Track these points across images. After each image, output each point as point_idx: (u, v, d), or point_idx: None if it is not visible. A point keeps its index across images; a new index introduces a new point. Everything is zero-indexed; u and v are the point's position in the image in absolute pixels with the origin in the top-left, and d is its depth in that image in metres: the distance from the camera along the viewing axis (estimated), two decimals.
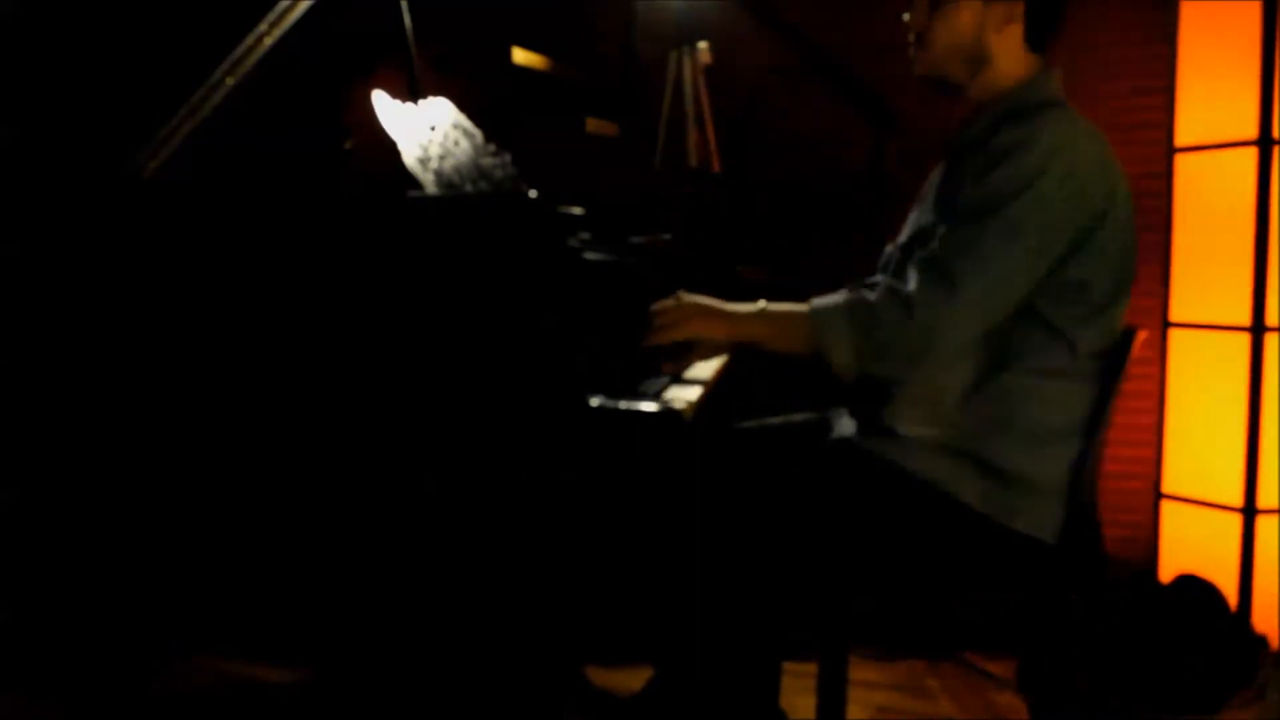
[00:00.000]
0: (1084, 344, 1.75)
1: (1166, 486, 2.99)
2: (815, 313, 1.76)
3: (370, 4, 2.24)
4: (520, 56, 2.65)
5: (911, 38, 1.87)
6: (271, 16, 2.13)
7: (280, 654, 2.71)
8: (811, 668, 1.83)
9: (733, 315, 1.84)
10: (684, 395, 1.82)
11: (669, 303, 1.87)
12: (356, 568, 2.25)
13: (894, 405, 1.79)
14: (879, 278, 1.95)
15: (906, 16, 1.88)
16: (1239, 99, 2.80)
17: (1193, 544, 2.92)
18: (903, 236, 1.91)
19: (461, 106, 2.21)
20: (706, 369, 2.05)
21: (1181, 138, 2.96)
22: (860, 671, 2.71)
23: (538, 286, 1.86)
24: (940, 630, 2.87)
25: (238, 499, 2.41)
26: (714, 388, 1.98)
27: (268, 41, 2.12)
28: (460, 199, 2.01)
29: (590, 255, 2.06)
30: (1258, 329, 2.76)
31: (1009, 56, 1.83)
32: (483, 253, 1.87)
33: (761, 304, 1.86)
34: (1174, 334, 2.97)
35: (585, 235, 2.10)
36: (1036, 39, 1.83)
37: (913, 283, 1.71)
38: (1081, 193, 1.70)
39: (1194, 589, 2.72)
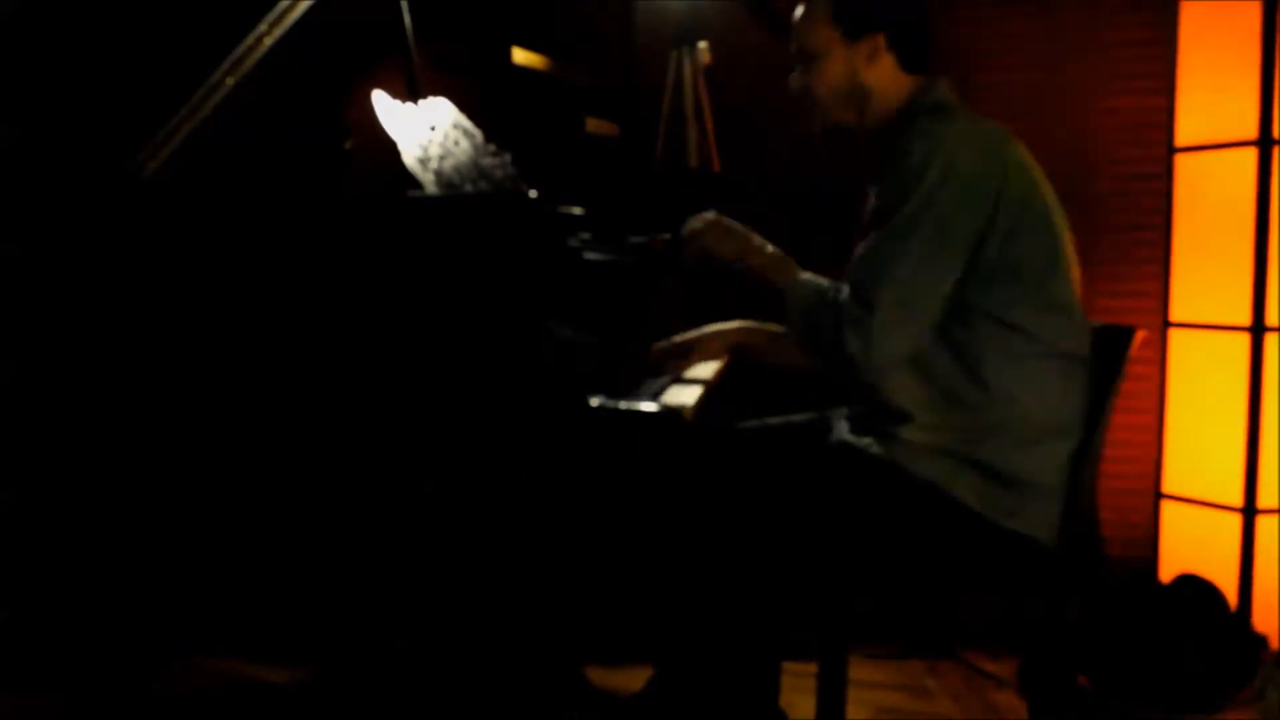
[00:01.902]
0: (1035, 325, 1.76)
1: (1166, 486, 2.99)
2: (791, 289, 1.85)
3: (370, 4, 2.24)
4: (520, 56, 2.65)
5: (801, 98, 1.95)
6: (271, 16, 2.13)
7: (280, 654, 2.71)
8: (811, 668, 1.83)
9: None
10: (684, 395, 1.82)
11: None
12: (357, 568, 2.25)
13: (887, 418, 1.80)
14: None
15: (791, 81, 1.95)
16: (1239, 99, 2.80)
17: (1193, 544, 2.92)
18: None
19: (461, 106, 2.21)
20: (707, 369, 2.05)
21: (1181, 138, 2.95)
22: (860, 671, 2.71)
23: (538, 286, 1.86)
24: (940, 630, 2.87)
25: (238, 499, 2.41)
26: (714, 388, 1.98)
27: (268, 41, 2.12)
28: (460, 199, 2.01)
29: (590, 255, 2.07)
30: (1258, 329, 2.76)
31: (888, 86, 1.89)
32: (483, 253, 1.87)
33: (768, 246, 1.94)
34: (1174, 334, 2.97)
35: (585, 235, 2.10)
36: (910, 62, 1.89)
37: (847, 312, 1.75)
38: (969, 182, 1.74)
39: (1194, 589, 2.71)
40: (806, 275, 1.87)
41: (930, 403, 1.78)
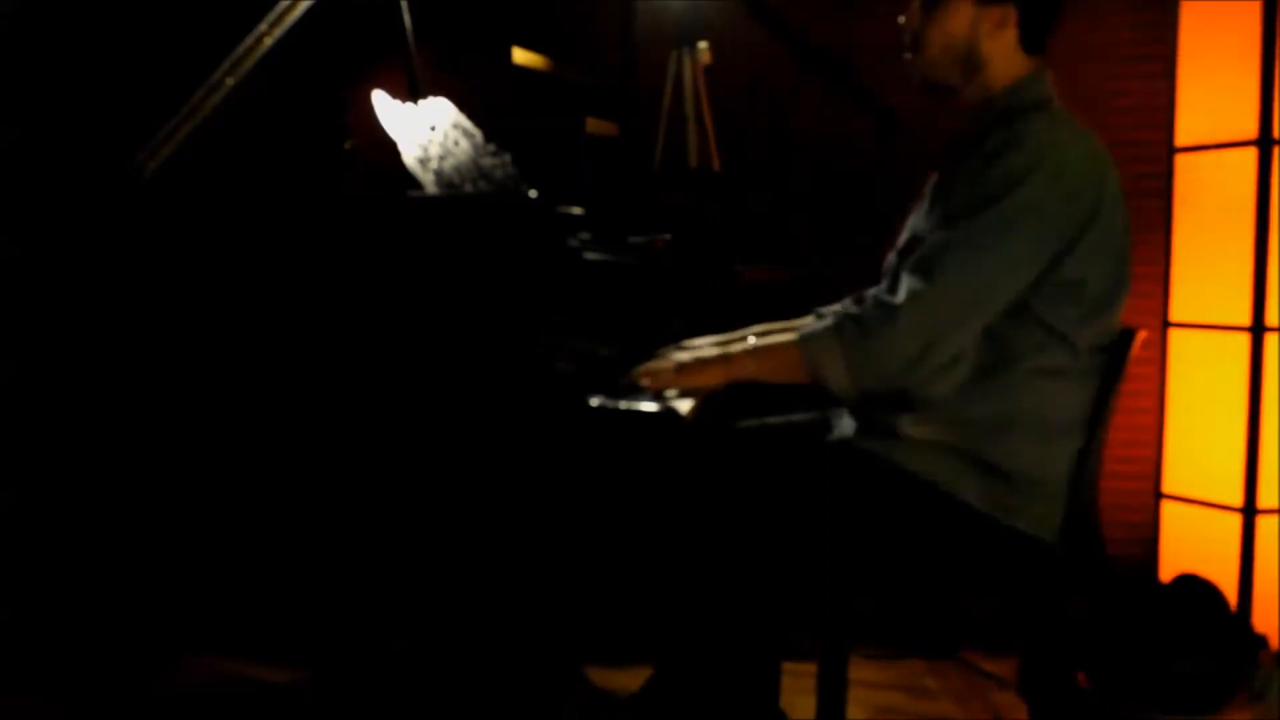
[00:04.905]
0: (1083, 342, 1.75)
1: (1166, 486, 2.99)
2: (805, 340, 1.76)
3: (370, 4, 2.24)
4: (520, 56, 2.65)
5: (906, 39, 1.86)
6: (271, 16, 2.13)
7: (280, 654, 2.71)
8: (811, 668, 1.82)
9: (725, 360, 1.83)
10: (684, 395, 1.82)
11: (658, 365, 1.86)
12: (357, 568, 2.25)
13: (894, 410, 1.79)
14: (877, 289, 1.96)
15: (901, 19, 1.87)
16: (1239, 99, 2.80)
17: (1193, 544, 2.92)
18: (900, 242, 1.91)
19: (461, 106, 2.21)
20: None
21: (1181, 138, 2.95)
22: (860, 671, 2.71)
23: (538, 286, 1.86)
24: (940, 630, 2.87)
25: (238, 499, 2.41)
26: (714, 388, 1.98)
27: (268, 41, 2.12)
28: (460, 199, 2.01)
29: (590, 255, 2.07)
30: (1258, 329, 2.76)
31: (1003, 59, 1.82)
32: (483, 253, 1.87)
33: (751, 340, 1.85)
34: (1174, 334, 2.97)
35: (585, 235, 2.10)
36: (1031, 41, 1.82)
37: (902, 291, 1.71)
38: (1071, 193, 1.70)
39: (1194, 589, 2.71)
40: (802, 327, 1.79)
41: (962, 391, 1.75)
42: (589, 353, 1.94)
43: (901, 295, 1.70)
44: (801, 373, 1.76)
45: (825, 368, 1.73)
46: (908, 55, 1.86)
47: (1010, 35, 1.81)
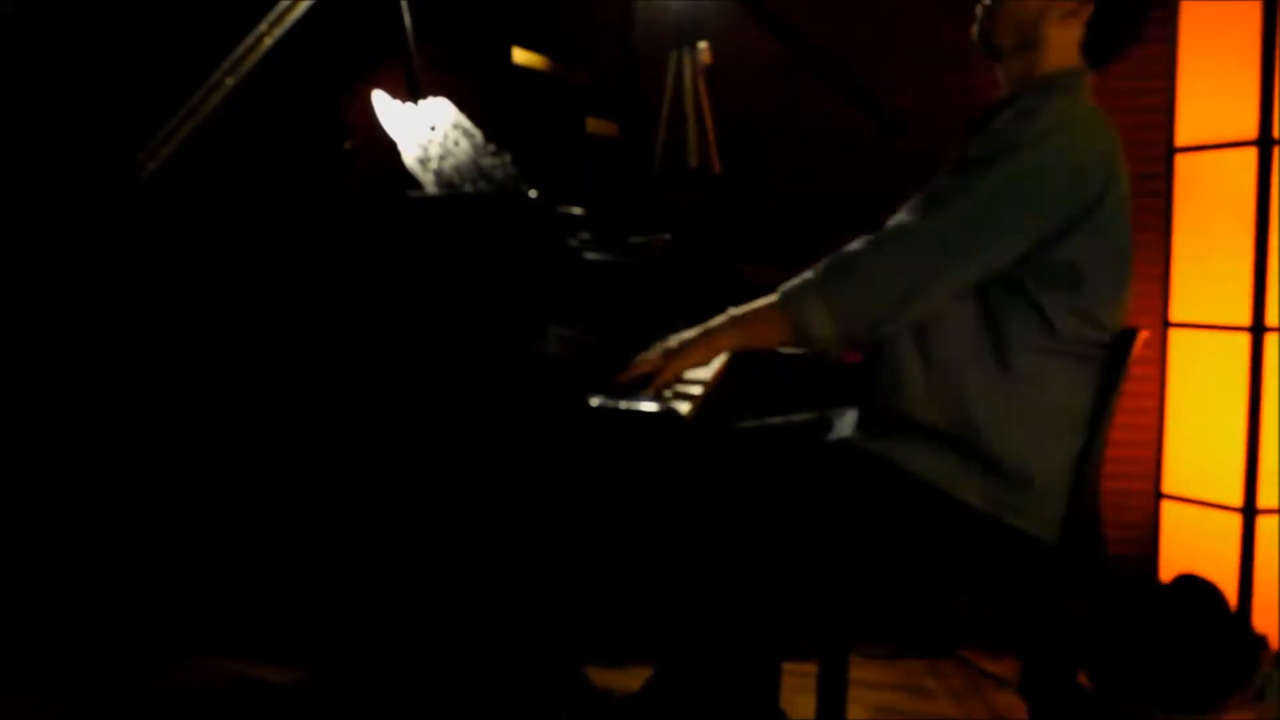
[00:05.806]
0: (1065, 327, 1.74)
1: (1166, 486, 2.99)
2: (786, 296, 1.76)
3: (370, 4, 2.24)
4: (520, 56, 2.65)
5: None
6: (271, 16, 2.13)
7: (280, 654, 2.71)
8: (811, 668, 1.82)
9: (707, 335, 1.83)
10: (684, 395, 1.82)
11: (646, 356, 1.86)
12: (357, 568, 2.25)
13: (897, 386, 1.78)
14: None
15: None
16: (1239, 99, 2.80)
17: (1193, 544, 2.92)
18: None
19: (461, 106, 2.21)
20: (706, 369, 2.05)
21: (1181, 138, 2.95)
22: (860, 671, 2.71)
23: (538, 286, 1.86)
24: (940, 630, 2.87)
25: (239, 499, 2.41)
26: (714, 388, 1.98)
27: (268, 41, 2.12)
28: (460, 199, 2.02)
29: (590, 255, 2.07)
30: (1258, 329, 2.76)
31: (1058, 49, 1.82)
32: (483, 253, 1.87)
33: (729, 311, 1.85)
34: (1174, 334, 2.97)
35: (585, 235, 2.11)
36: (1094, 48, 1.82)
37: (890, 224, 1.73)
38: (1076, 172, 1.70)
39: (1194, 589, 2.72)
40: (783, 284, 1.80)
41: (941, 369, 1.76)
42: (589, 353, 1.94)
43: (889, 227, 1.72)
44: (786, 331, 1.76)
45: (809, 319, 1.73)
46: (980, 7, 1.87)
47: (1075, 31, 1.81)
